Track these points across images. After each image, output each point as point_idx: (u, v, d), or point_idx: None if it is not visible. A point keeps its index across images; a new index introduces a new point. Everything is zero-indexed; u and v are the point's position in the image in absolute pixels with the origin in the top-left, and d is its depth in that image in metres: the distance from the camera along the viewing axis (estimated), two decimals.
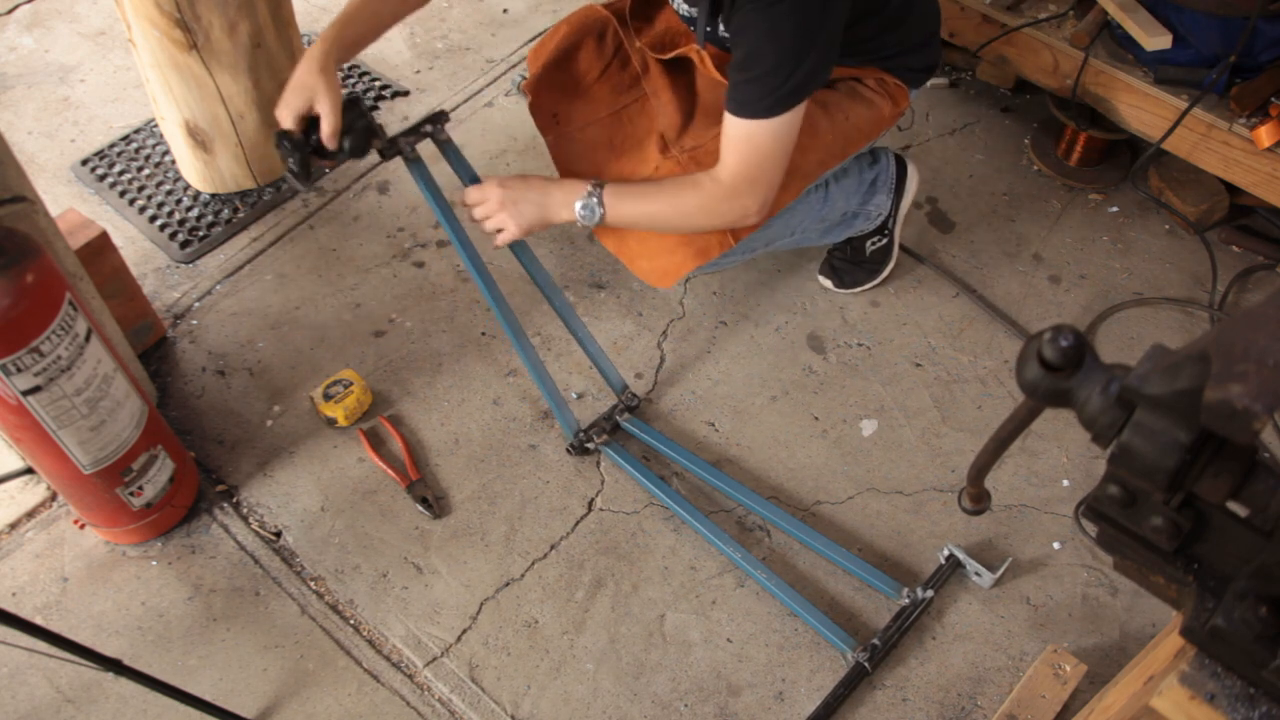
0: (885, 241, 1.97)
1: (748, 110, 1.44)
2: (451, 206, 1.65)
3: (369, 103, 2.40)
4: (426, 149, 1.59)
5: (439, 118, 1.61)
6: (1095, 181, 2.23)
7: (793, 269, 2.07)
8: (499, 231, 1.63)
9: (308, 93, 1.46)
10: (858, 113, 1.67)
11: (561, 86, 1.76)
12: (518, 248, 1.72)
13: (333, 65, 1.48)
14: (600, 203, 1.58)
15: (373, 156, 1.65)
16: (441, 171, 1.66)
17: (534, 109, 1.77)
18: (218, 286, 2.05)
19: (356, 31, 1.53)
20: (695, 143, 1.65)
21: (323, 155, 1.49)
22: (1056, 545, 1.70)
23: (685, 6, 1.63)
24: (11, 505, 1.73)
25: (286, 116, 1.46)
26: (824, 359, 1.94)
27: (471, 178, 1.66)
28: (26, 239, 1.32)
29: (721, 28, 1.55)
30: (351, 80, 2.44)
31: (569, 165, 1.78)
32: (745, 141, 1.47)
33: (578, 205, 1.59)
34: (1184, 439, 0.65)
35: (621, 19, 1.72)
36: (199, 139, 2.08)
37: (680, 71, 1.73)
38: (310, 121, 1.48)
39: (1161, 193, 2.17)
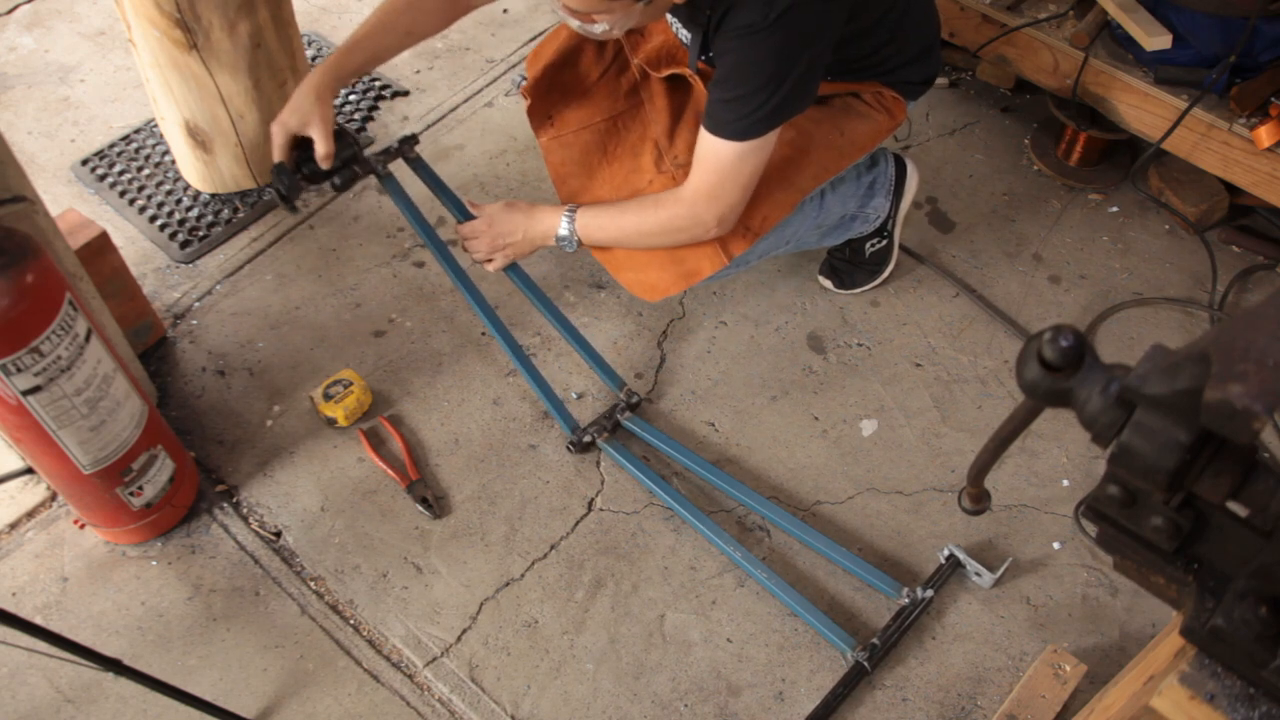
0: (885, 243, 1.97)
1: (721, 130, 1.46)
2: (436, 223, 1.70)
3: (370, 102, 2.40)
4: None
5: (409, 140, 1.80)
6: (1095, 181, 2.23)
7: (793, 269, 2.07)
8: (490, 261, 1.76)
9: (303, 116, 1.59)
10: (853, 127, 1.66)
11: (561, 88, 1.77)
12: (509, 268, 1.82)
13: (329, 93, 1.61)
14: (574, 227, 1.67)
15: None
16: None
17: (531, 111, 1.79)
18: (218, 286, 2.05)
19: (356, 61, 1.64)
20: (688, 157, 1.64)
21: (312, 180, 1.65)
22: (1056, 545, 1.70)
23: (683, 31, 1.63)
24: (11, 505, 1.73)
25: (279, 134, 1.61)
26: (824, 359, 1.94)
27: (443, 190, 1.81)
28: (26, 239, 1.32)
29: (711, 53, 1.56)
30: (352, 81, 2.43)
31: (561, 169, 1.78)
32: (713, 158, 1.49)
33: (557, 232, 1.68)
34: (1184, 439, 0.65)
35: None
36: (199, 139, 2.08)
37: (677, 83, 1.73)
38: (302, 145, 1.63)
39: (1161, 193, 2.17)
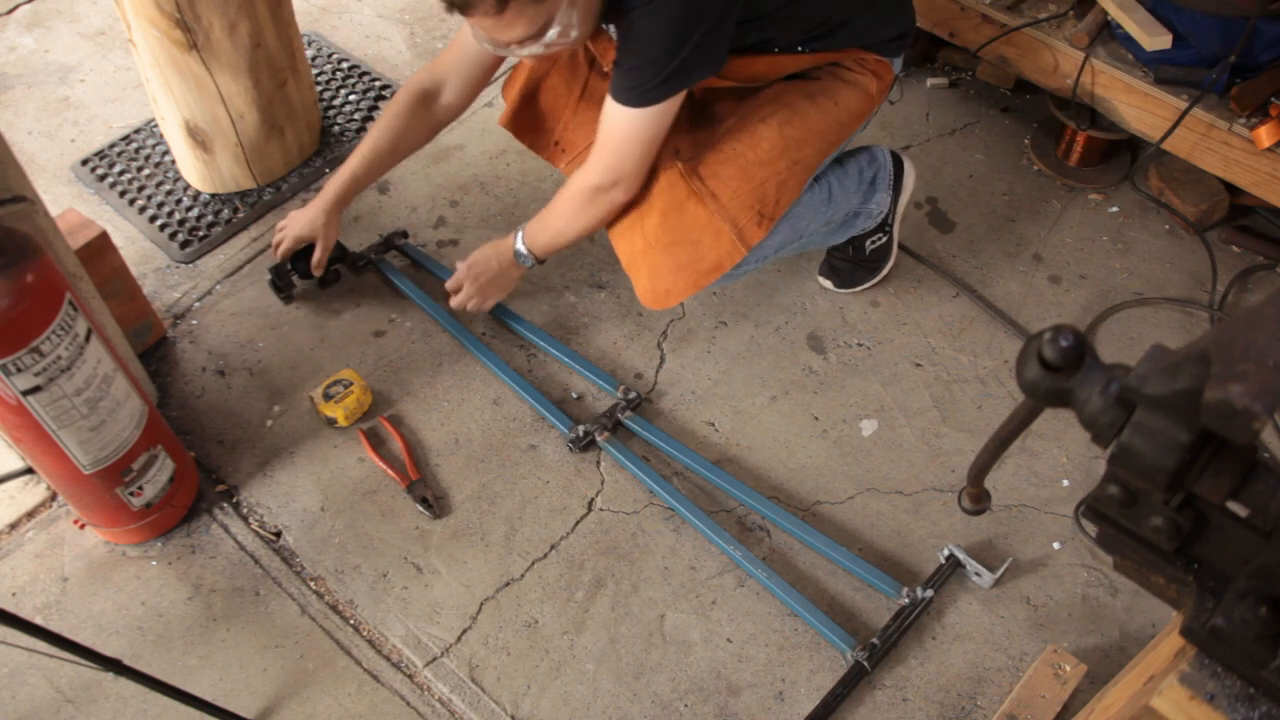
0: (885, 240, 1.97)
1: (619, 97, 1.54)
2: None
3: (371, 103, 2.40)
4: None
5: (400, 235, 2.10)
6: (1095, 181, 2.23)
7: (793, 269, 2.07)
8: (482, 301, 1.88)
9: (314, 232, 1.88)
10: (844, 95, 1.68)
11: (549, 117, 1.85)
12: (495, 307, 1.95)
13: (337, 213, 1.89)
14: (524, 243, 1.76)
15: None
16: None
17: (530, 145, 1.90)
18: (218, 286, 2.05)
19: (359, 188, 1.89)
20: (691, 151, 1.65)
21: (303, 278, 1.97)
22: (1056, 545, 1.70)
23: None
24: (11, 505, 1.73)
25: (290, 242, 1.89)
26: (824, 359, 1.94)
27: (431, 263, 2.05)
28: (26, 239, 1.32)
29: None
30: (352, 80, 2.44)
31: None
32: (608, 124, 1.57)
33: (515, 249, 1.77)
34: (1184, 439, 0.65)
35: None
36: (199, 139, 2.08)
37: None
38: (300, 250, 1.91)
39: (1161, 193, 2.17)
